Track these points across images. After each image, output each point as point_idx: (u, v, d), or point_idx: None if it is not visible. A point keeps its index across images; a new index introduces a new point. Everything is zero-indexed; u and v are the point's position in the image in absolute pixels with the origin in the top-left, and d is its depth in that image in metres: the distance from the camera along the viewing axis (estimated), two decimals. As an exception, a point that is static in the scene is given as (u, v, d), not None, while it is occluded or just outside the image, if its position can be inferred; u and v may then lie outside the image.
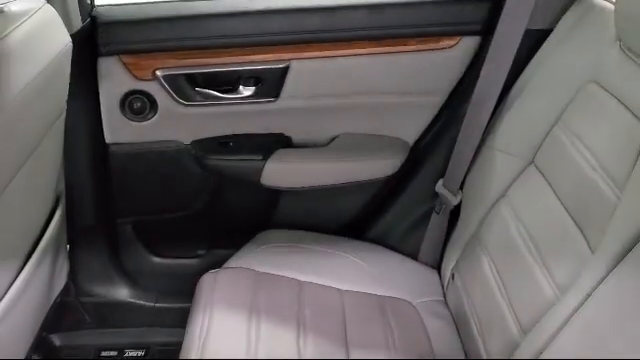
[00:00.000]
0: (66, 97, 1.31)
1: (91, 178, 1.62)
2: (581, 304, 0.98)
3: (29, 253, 1.27)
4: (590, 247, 1.04)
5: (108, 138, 1.58)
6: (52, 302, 1.55)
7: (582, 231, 1.08)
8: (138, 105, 1.55)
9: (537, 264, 1.15)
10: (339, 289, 1.51)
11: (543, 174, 1.26)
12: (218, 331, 1.33)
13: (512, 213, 1.31)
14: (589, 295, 0.97)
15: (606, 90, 1.15)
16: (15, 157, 1.08)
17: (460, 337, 1.40)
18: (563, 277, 1.06)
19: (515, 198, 1.33)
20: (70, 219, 1.61)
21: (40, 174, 1.28)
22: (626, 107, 1.07)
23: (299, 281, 1.50)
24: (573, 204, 1.13)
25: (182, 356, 1.31)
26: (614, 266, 0.94)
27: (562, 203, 1.16)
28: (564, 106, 1.25)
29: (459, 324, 1.41)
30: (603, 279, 0.95)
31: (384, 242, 1.69)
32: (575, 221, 1.11)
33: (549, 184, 1.23)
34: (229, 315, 1.37)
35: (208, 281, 1.47)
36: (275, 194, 1.69)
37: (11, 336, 1.24)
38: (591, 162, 1.11)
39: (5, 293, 1.15)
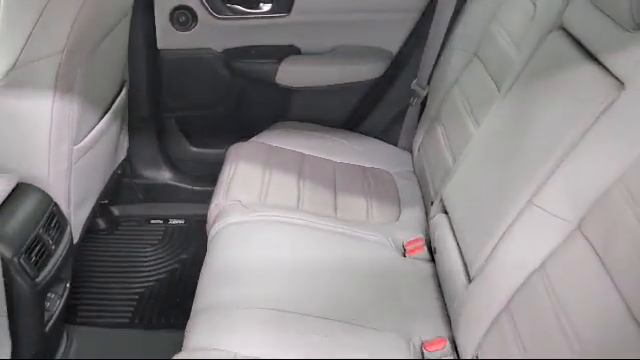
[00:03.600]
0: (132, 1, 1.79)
1: (146, 76, 2.10)
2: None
3: (105, 110, 1.76)
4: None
5: (160, 45, 2.06)
6: (113, 171, 2.04)
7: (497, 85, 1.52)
8: (183, 18, 2.02)
9: (468, 116, 1.59)
10: (333, 161, 1.97)
11: (481, 60, 1.69)
12: (239, 179, 1.80)
13: (461, 94, 1.75)
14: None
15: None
16: (102, 29, 1.56)
17: (420, 187, 1.85)
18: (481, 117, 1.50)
19: (464, 82, 1.76)
20: (130, 109, 2.09)
21: (114, 51, 1.77)
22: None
23: (302, 154, 1.97)
24: (496, 74, 1.56)
25: (213, 197, 1.78)
26: None
27: (489, 74, 1.59)
28: (499, 6, 1.68)
29: (420, 178, 1.87)
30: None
31: (372, 132, 2.16)
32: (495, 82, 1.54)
33: (484, 66, 1.66)
34: (248, 169, 1.84)
35: (234, 149, 1.95)
36: (287, 93, 2.16)
37: (93, 167, 1.73)
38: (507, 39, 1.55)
39: (92, 129, 1.65)
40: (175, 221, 2.29)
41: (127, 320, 1.83)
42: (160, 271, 2.05)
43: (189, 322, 1.34)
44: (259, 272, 1.43)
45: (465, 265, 1.32)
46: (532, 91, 1.30)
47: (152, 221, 2.28)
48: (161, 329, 1.79)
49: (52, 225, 1.44)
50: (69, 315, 1.74)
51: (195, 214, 2.24)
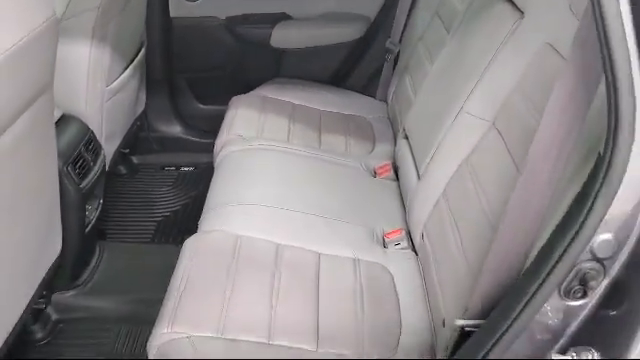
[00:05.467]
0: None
1: (160, 41, 2.45)
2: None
3: (128, 64, 2.12)
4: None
5: (172, 13, 2.42)
6: (134, 120, 2.39)
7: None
8: (191, -11, 2.39)
9: (428, 61, 1.94)
10: (319, 109, 2.32)
11: (439, 17, 2.03)
12: (239, 120, 2.16)
13: (424, 47, 2.09)
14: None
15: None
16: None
17: (392, 128, 2.20)
18: (436, 59, 1.85)
19: (426, 37, 2.10)
20: (147, 71, 2.45)
21: (135, 16, 2.13)
22: None
23: (293, 103, 2.32)
24: (448, 22, 1.90)
25: (218, 135, 2.13)
26: None
27: (444, 26, 1.93)
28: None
29: (392, 120, 2.22)
30: None
31: (353, 87, 2.53)
32: (447, 30, 1.88)
33: (441, 21, 2.00)
34: (247, 113, 2.20)
35: (235, 99, 2.31)
36: (280, 54, 2.51)
37: (120, 108, 2.09)
38: None
39: (119, 76, 2.00)
40: (185, 168, 2.65)
41: (149, 239, 2.20)
42: (174, 204, 2.41)
43: (200, 220, 1.70)
44: (257, 182, 1.79)
45: (416, 168, 1.68)
46: (467, 30, 1.65)
47: (166, 168, 2.64)
48: (177, 244, 2.16)
49: (90, 147, 1.80)
50: (100, 233, 2.12)
51: (202, 162, 2.58)
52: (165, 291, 1.43)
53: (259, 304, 1.35)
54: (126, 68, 2.12)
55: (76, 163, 1.71)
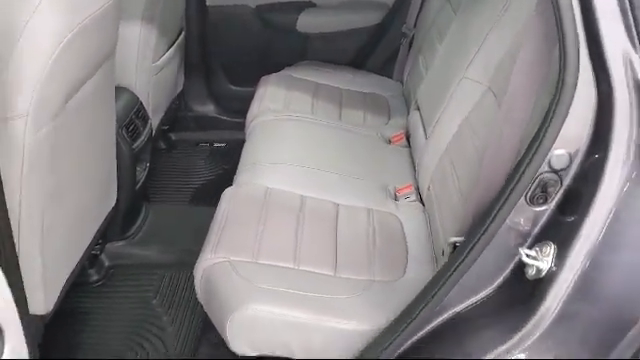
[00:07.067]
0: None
1: (197, 28, 2.71)
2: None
3: (170, 46, 2.38)
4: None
5: (208, 2, 2.67)
6: (173, 99, 2.65)
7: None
8: (226, -20, 2.65)
9: (438, 41, 2.15)
10: (340, 88, 2.55)
11: (450, 2, 2.25)
12: (268, 95, 2.40)
13: (436, 31, 2.31)
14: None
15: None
16: None
17: (407, 105, 2.42)
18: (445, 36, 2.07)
19: (438, 21, 2.32)
20: (185, 56, 2.71)
21: (174, 4, 2.39)
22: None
23: (316, 83, 2.56)
24: (455, 3, 2.12)
25: (250, 108, 2.38)
26: None
27: (452, 7, 2.15)
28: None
29: (407, 98, 2.45)
30: None
31: (372, 69, 2.76)
32: (454, 11, 2.10)
33: (450, 5, 2.21)
34: (275, 91, 2.44)
35: (264, 79, 2.55)
36: (305, 38, 2.75)
37: (163, 85, 2.35)
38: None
39: (163, 54, 2.26)
40: (218, 144, 2.91)
41: (187, 201, 2.46)
42: (208, 175, 2.67)
43: (235, 176, 1.95)
44: (284, 145, 2.04)
45: (425, 131, 1.90)
46: (470, 9, 1.87)
47: (200, 144, 2.91)
48: (212, 206, 2.41)
49: (139, 115, 2.06)
50: (145, 197, 2.38)
51: (233, 139, 2.81)
52: (202, 244, 1.64)
53: (286, 238, 1.60)
54: (168, 49, 2.38)
55: (129, 127, 1.98)
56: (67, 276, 1.65)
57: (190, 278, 1.61)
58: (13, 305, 0.88)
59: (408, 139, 2.18)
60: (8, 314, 0.88)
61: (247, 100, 2.58)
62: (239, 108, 2.86)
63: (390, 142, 2.21)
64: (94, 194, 1.78)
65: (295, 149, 2.03)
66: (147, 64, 2.15)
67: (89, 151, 1.65)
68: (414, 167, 2.02)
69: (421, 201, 1.86)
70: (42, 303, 1.43)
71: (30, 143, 1.23)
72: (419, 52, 2.43)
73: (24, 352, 0.94)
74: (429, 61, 2.19)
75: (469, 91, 1.69)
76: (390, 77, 2.73)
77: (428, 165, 1.80)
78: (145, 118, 2.11)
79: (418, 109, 2.12)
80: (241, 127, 2.50)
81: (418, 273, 1.52)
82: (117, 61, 1.91)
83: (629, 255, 0.97)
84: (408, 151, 2.14)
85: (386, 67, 2.74)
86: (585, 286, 0.99)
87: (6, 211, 1.15)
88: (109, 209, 1.90)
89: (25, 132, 1.21)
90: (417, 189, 1.91)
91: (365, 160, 2.05)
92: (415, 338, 1.21)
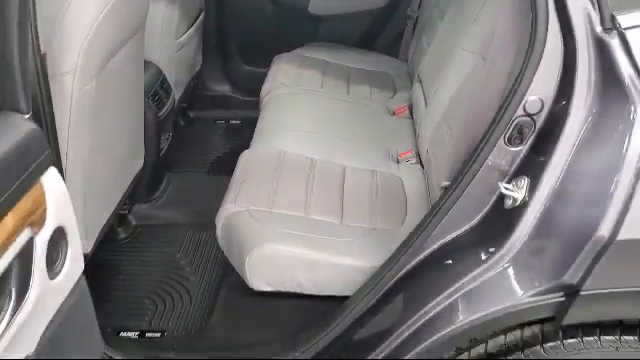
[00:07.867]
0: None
1: (216, 10, 2.89)
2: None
3: (189, 26, 2.56)
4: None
5: (224, -14, 2.86)
6: (192, 77, 2.84)
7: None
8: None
9: (440, 20, 2.32)
10: (348, 66, 2.73)
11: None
12: (280, 72, 2.58)
13: (438, 12, 2.47)
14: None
15: None
16: None
17: (410, 82, 2.59)
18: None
19: (441, 2, 2.48)
20: (203, 36, 2.89)
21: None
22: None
23: (326, 61, 2.74)
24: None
25: (263, 85, 2.56)
26: None
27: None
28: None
29: (411, 75, 2.61)
30: None
31: (379, 49, 2.93)
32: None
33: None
34: (287, 68, 2.62)
35: (277, 58, 2.74)
36: (317, 20, 2.92)
37: (184, 61, 2.53)
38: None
39: (184, 33, 2.44)
40: (233, 121, 3.10)
41: (205, 171, 2.65)
42: (224, 149, 2.85)
43: (251, 142, 2.13)
44: (295, 115, 2.23)
45: (425, 100, 2.07)
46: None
47: (217, 121, 3.09)
48: (228, 175, 2.59)
49: (163, 87, 2.25)
50: (167, 166, 2.57)
51: (248, 116, 2.98)
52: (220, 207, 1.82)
53: (298, 192, 1.78)
54: (188, 29, 2.56)
55: (154, 97, 2.17)
56: (99, 231, 1.84)
57: (210, 235, 1.79)
58: (73, 214, 1.06)
59: (411, 112, 2.35)
60: (70, 219, 1.06)
61: (260, 80, 2.76)
62: (253, 87, 3.03)
63: (394, 114, 2.38)
64: (125, 153, 1.97)
65: (306, 118, 2.21)
66: (170, 41, 2.33)
67: (122, 112, 1.84)
68: (415, 135, 2.19)
69: (421, 164, 2.03)
70: (83, 242, 1.62)
71: (77, 97, 1.42)
72: (422, 32, 2.60)
73: (81, 260, 1.13)
74: (431, 38, 2.36)
75: (465, 61, 1.85)
76: (396, 57, 2.90)
77: (427, 130, 1.96)
78: (168, 90, 2.30)
79: (420, 82, 2.29)
80: (255, 105, 2.68)
81: (416, 222, 1.70)
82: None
83: (588, 183, 1.15)
84: (410, 121, 2.31)
85: (392, 48, 2.91)
86: (551, 211, 1.16)
87: (59, 155, 1.34)
88: (138, 169, 2.09)
89: (73, 87, 1.40)
90: (417, 154, 2.08)
91: (370, 129, 2.22)
92: (405, 270, 1.38)
